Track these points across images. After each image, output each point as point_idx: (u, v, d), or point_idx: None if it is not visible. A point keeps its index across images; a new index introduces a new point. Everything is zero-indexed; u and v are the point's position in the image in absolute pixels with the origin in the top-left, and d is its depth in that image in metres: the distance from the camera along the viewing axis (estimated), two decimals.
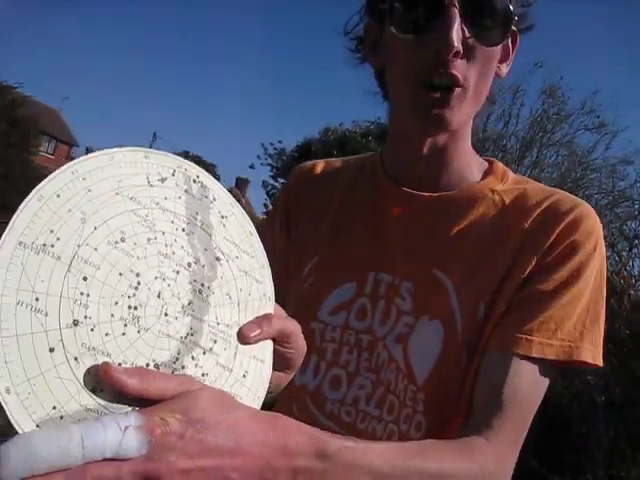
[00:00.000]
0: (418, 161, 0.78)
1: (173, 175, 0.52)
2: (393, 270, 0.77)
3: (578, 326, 0.69)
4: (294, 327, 0.56)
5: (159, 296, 0.47)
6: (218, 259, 0.52)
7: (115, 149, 0.50)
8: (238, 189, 56.67)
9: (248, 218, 0.57)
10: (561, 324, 0.68)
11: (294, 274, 0.86)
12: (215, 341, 0.49)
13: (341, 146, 13.40)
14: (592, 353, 0.69)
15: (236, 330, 0.51)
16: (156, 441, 0.40)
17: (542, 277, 0.69)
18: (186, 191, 0.52)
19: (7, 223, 0.44)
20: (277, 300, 0.57)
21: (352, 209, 0.84)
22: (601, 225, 0.73)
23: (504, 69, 0.77)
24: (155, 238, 0.48)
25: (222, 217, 0.54)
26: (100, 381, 0.42)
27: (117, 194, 0.48)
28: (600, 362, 0.70)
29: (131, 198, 0.48)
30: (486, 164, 0.82)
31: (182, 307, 0.48)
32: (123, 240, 0.47)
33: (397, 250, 0.77)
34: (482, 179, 0.79)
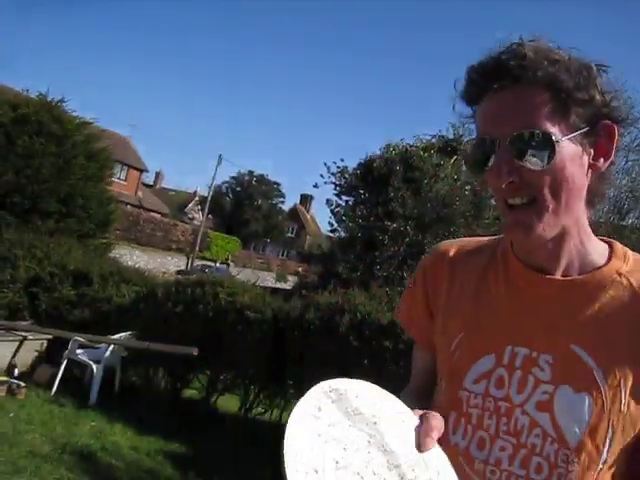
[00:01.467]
0: (538, 250, 0.91)
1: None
2: (530, 344, 0.88)
3: None
4: None
5: None
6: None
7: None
8: (302, 205, 57.51)
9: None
10: None
11: (441, 346, 0.98)
12: None
13: (404, 161, 13.37)
14: None
15: None
16: None
17: None
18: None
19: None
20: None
21: (489, 289, 0.96)
22: None
23: (601, 164, 0.87)
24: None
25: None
26: None
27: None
28: None
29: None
30: (607, 246, 0.94)
31: None
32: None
33: (534, 326, 0.88)
34: (607, 262, 0.91)
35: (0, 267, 7.08)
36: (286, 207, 55.81)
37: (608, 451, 0.83)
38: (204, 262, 32.85)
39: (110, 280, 6.96)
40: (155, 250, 30.06)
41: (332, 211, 16.39)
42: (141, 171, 38.18)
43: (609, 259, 0.92)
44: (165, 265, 29.53)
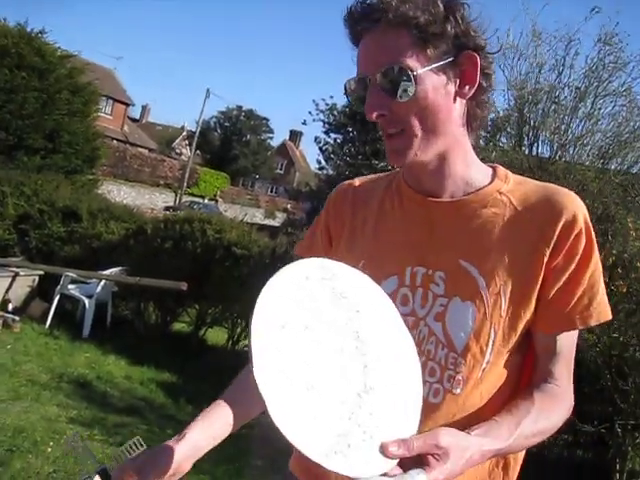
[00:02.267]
0: (423, 176, 1.01)
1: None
2: (426, 263, 0.98)
3: (601, 294, 0.96)
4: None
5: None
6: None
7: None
8: (292, 142, 56.77)
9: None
10: (592, 296, 0.95)
11: None
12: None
13: None
14: (609, 310, 0.98)
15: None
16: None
17: (564, 268, 0.94)
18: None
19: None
20: None
21: (387, 217, 1.05)
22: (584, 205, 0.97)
23: (467, 90, 0.94)
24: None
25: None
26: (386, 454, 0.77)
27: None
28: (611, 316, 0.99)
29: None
30: (490, 170, 1.03)
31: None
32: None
33: (427, 247, 0.98)
34: (489, 183, 1.00)
35: None
36: (275, 143, 55.23)
37: (491, 352, 0.93)
38: (192, 198, 32.76)
39: (99, 217, 7.08)
40: (143, 186, 29.87)
41: (320, 149, 16.40)
42: (127, 105, 37.36)
43: (492, 180, 1.01)
44: (153, 201, 29.45)
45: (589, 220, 0.95)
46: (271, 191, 50.64)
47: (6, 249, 7.01)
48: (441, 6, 0.90)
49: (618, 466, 3.40)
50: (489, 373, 0.95)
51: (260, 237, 6.32)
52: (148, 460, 0.93)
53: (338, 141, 15.64)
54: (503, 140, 9.96)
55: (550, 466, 3.80)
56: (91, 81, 11.11)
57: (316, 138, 16.67)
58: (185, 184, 32.42)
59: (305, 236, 1.22)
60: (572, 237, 0.93)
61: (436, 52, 0.89)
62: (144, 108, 49.10)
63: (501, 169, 1.03)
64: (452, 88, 0.93)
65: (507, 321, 0.94)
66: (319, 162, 16.75)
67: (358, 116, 14.44)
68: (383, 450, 0.76)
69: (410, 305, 0.98)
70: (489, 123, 9.93)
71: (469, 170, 1.00)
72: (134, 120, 43.41)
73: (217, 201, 35.59)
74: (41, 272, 6.49)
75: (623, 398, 3.19)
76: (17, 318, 5.71)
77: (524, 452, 1.03)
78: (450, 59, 0.91)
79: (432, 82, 0.90)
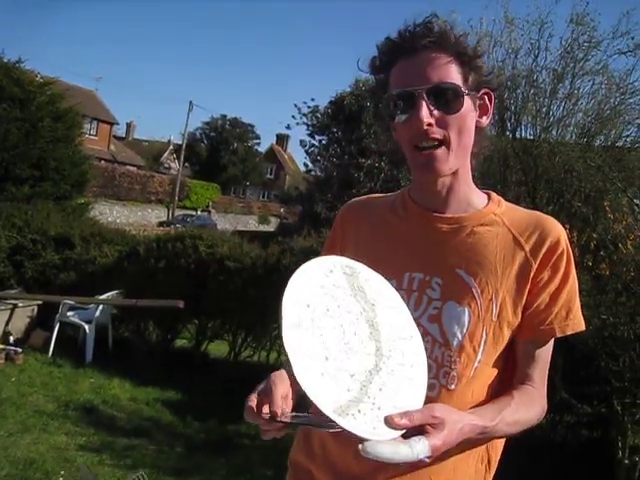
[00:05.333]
0: (433, 194, 1.12)
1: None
2: (424, 270, 1.08)
3: (577, 306, 1.09)
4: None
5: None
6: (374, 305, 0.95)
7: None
8: (279, 145, 56.75)
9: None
10: (570, 309, 1.08)
11: None
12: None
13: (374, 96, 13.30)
14: (583, 321, 1.10)
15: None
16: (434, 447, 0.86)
17: (547, 282, 1.06)
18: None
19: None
20: None
21: (391, 228, 1.16)
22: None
23: (484, 121, 1.10)
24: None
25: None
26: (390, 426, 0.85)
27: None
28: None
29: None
30: (485, 195, 1.16)
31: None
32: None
33: (427, 256, 1.09)
34: (485, 206, 1.13)
35: None
36: (262, 149, 55.21)
37: (482, 352, 1.05)
38: (185, 212, 32.79)
39: (92, 242, 7.11)
40: (134, 204, 29.90)
41: (307, 152, 16.45)
42: (111, 124, 37.36)
43: (487, 204, 1.13)
44: (146, 218, 29.49)
45: (569, 243, 1.09)
46: (263, 197, 50.65)
47: (2, 281, 7.03)
48: (481, 45, 1.08)
49: (620, 443, 3.46)
50: (480, 372, 1.06)
51: (252, 248, 6.36)
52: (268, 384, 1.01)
53: (323, 142, 15.68)
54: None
55: (557, 447, 3.86)
56: (72, 105, 11.13)
57: (301, 142, 16.76)
58: (176, 198, 32.43)
59: (326, 248, 1.29)
60: (556, 256, 1.06)
61: (472, 83, 1.05)
62: (129, 125, 49.00)
63: (495, 195, 1.16)
64: (475, 116, 1.08)
65: (497, 325, 1.05)
66: (306, 165, 16.81)
67: (341, 116, 14.49)
68: (389, 420, 0.85)
69: None
70: None
71: (470, 192, 1.13)
72: (120, 138, 43.36)
73: (210, 212, 35.60)
74: (39, 302, 6.53)
75: (618, 377, 3.24)
76: (19, 350, 5.73)
77: (500, 452, 1.13)
78: (481, 91, 1.08)
79: (469, 105, 1.05)
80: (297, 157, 53.07)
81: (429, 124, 1.01)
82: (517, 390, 1.06)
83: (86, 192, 12.05)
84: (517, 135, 9.49)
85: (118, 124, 40.13)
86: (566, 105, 9.01)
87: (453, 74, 1.03)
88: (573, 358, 3.26)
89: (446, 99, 1.02)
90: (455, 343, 1.04)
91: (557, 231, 1.08)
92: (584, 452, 3.82)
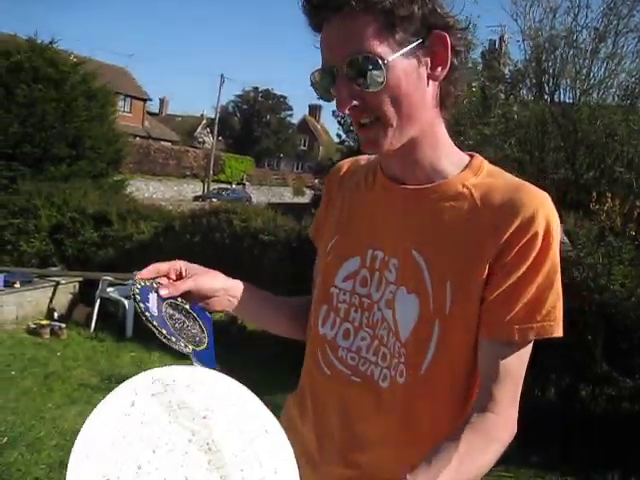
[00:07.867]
0: (392, 161, 0.98)
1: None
2: (384, 248, 0.97)
3: (548, 307, 0.86)
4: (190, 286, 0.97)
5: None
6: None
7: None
8: (312, 117, 56.43)
9: None
10: (535, 308, 0.86)
11: (321, 249, 1.11)
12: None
13: None
14: (559, 328, 0.87)
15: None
16: None
17: (510, 271, 0.86)
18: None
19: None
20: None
21: (360, 198, 1.05)
22: (553, 208, 0.88)
23: (439, 72, 0.89)
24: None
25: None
26: None
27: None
28: (561, 333, 0.88)
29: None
30: (467, 159, 0.97)
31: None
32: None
33: (387, 232, 0.97)
34: (458, 173, 0.94)
35: (23, 218, 7.39)
36: (295, 120, 54.95)
37: (434, 350, 0.89)
38: (220, 185, 33.05)
39: (128, 218, 7.24)
40: (170, 179, 30.27)
41: (339, 122, 16.22)
42: (145, 100, 37.66)
43: (462, 171, 0.95)
44: (182, 192, 29.84)
45: (553, 226, 0.87)
46: (297, 168, 50.62)
47: (45, 260, 7.25)
48: None
49: None
50: (436, 374, 0.90)
51: (285, 221, 6.37)
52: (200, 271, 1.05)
53: None
54: (523, 92, 9.73)
55: (597, 420, 3.80)
56: (105, 84, 11.22)
57: (334, 112, 16.52)
58: (211, 172, 32.69)
59: (315, 217, 1.21)
60: (526, 238, 0.85)
61: (405, 36, 0.84)
62: (162, 101, 49.44)
63: (477, 159, 0.97)
64: (424, 71, 0.88)
65: (449, 319, 0.89)
66: (339, 136, 16.60)
67: None
68: None
69: (367, 287, 0.99)
70: (508, 76, 9.74)
71: (439, 158, 0.95)
72: (154, 114, 43.77)
73: (244, 185, 35.80)
74: (80, 278, 6.71)
75: None
76: (63, 325, 5.94)
77: None
78: (419, 41, 0.86)
79: (403, 68, 0.85)
80: (330, 128, 52.73)
81: (353, 107, 0.87)
82: (468, 430, 0.83)
83: (122, 169, 12.20)
84: (555, 99, 9.20)
85: (151, 100, 40.48)
86: (608, 66, 8.69)
87: (370, 38, 0.83)
88: (614, 330, 3.18)
89: (365, 73, 0.84)
90: (402, 334, 0.91)
91: (534, 206, 0.86)
92: (625, 425, 3.76)
